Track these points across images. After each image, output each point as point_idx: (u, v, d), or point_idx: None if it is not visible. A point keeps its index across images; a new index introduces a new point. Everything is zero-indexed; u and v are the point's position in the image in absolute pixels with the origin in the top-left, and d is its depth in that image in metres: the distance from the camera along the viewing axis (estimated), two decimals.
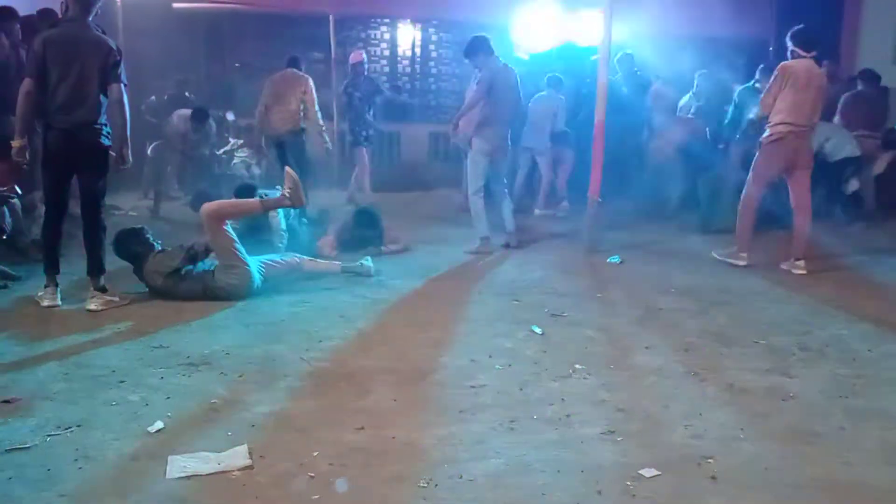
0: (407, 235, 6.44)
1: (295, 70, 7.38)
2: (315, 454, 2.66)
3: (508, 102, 6.20)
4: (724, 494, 2.47)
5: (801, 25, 5.60)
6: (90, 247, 4.46)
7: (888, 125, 8.14)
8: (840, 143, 7.21)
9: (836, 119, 7.84)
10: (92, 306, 4.37)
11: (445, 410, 3.08)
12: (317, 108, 7.29)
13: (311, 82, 7.29)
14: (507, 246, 6.32)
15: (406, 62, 11.14)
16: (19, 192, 5.17)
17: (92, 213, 4.45)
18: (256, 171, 8.49)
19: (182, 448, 2.68)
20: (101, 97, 4.35)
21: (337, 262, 5.36)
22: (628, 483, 2.51)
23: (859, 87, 8.02)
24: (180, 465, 2.56)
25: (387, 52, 11.02)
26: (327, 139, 7.78)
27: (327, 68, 9.96)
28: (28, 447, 2.69)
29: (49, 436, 2.77)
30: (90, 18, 4.35)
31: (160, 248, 4.73)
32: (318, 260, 5.39)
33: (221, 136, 8.97)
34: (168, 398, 3.14)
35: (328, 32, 10.03)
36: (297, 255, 5.24)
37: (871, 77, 8.04)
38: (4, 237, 5.08)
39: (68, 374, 3.38)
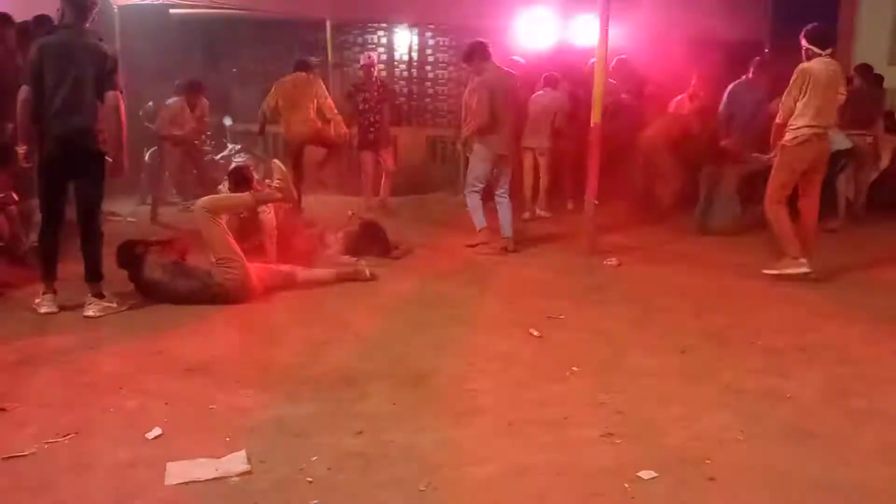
0: (407, 239, 6.44)
1: (305, 74, 7.58)
2: (314, 459, 2.66)
3: (508, 107, 6.21)
4: (723, 495, 2.48)
5: (815, 24, 5.45)
6: (87, 253, 4.46)
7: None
8: (834, 137, 7.20)
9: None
10: (90, 312, 4.37)
11: (443, 414, 3.08)
12: (330, 102, 7.63)
13: (321, 83, 7.67)
14: (504, 250, 6.33)
15: (403, 66, 11.15)
16: (16, 198, 5.16)
17: (89, 219, 4.45)
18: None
19: (180, 454, 2.68)
20: (98, 103, 4.35)
21: (332, 270, 5.36)
22: (627, 485, 2.51)
23: (856, 83, 7.95)
24: (178, 471, 2.56)
25: (384, 57, 11.02)
26: (342, 126, 7.88)
27: (324, 73, 9.95)
28: (26, 455, 2.68)
29: (47, 443, 2.77)
30: (86, 25, 4.36)
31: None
32: (314, 269, 5.36)
33: (219, 142, 8.97)
34: (166, 404, 3.14)
35: (325, 37, 10.04)
36: (291, 266, 5.23)
37: (866, 71, 7.96)
38: (2, 244, 5.07)
39: (66, 381, 3.38)
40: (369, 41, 11.04)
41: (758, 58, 8.05)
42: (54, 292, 4.45)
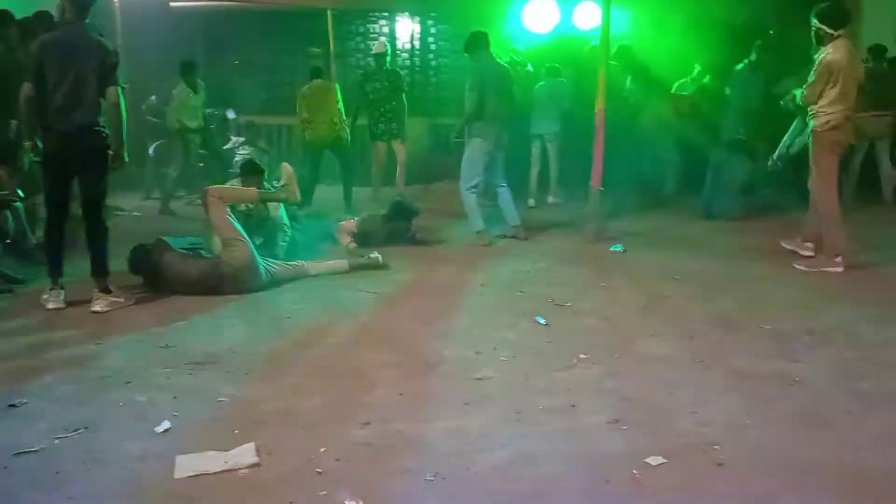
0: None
1: (322, 81, 7.89)
2: (322, 450, 2.67)
3: (500, 99, 6.15)
4: (732, 481, 2.47)
5: (829, 2, 5.24)
6: (93, 249, 4.47)
7: None
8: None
9: None
10: (97, 308, 4.38)
11: (451, 403, 3.08)
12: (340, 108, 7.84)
13: (337, 89, 7.90)
14: (514, 238, 6.31)
15: (405, 55, 11.10)
16: (21, 195, 5.17)
17: (94, 214, 4.46)
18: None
19: (189, 447, 2.69)
20: (100, 99, 4.35)
21: (344, 261, 5.36)
22: (635, 472, 2.51)
23: (869, 64, 7.82)
24: (188, 464, 2.57)
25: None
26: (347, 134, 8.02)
27: (326, 63, 9.92)
28: (36, 450, 2.69)
29: (57, 438, 2.78)
30: (86, 21, 4.35)
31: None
32: (326, 262, 5.36)
33: (223, 135, 8.96)
34: (175, 398, 3.15)
35: (326, 27, 9.99)
36: (302, 260, 5.25)
37: (879, 53, 7.86)
38: (8, 241, 5.09)
39: (75, 377, 3.39)
40: (371, 30, 10.99)
41: (759, 41, 7.99)
42: (61, 288, 4.47)
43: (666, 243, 6.23)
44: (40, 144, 4.45)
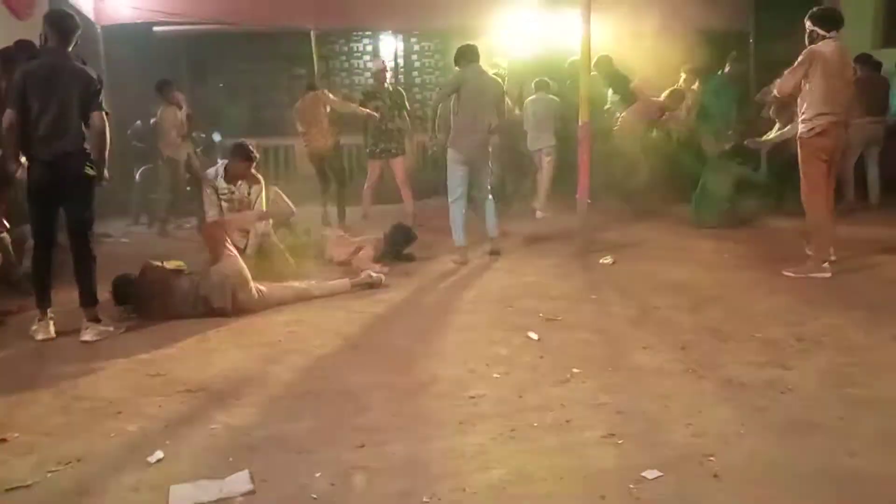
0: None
1: (313, 92, 8.04)
2: (317, 475, 2.65)
3: (480, 111, 6.11)
4: (728, 491, 2.47)
5: (823, 6, 5.32)
6: (81, 277, 4.44)
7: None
8: None
9: None
10: (86, 337, 4.35)
11: (445, 423, 3.07)
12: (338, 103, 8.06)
13: (327, 93, 8.11)
14: (491, 254, 6.31)
15: (389, 73, 11.15)
16: (7, 225, 5.15)
17: (81, 243, 4.43)
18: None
19: (183, 477, 2.67)
20: (83, 127, 4.35)
21: (346, 280, 5.36)
22: (631, 486, 2.51)
23: (858, 73, 7.94)
24: (182, 494, 2.55)
25: (370, 64, 11.02)
26: (353, 106, 8.09)
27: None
28: (29, 485, 2.67)
29: (49, 472, 2.75)
30: (69, 49, 4.35)
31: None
32: (329, 282, 5.35)
33: (210, 157, 8.96)
34: (166, 427, 3.12)
35: (310, 48, 10.04)
36: (303, 282, 5.26)
37: (868, 61, 7.93)
38: None
39: (65, 408, 3.36)
40: (354, 49, 11.06)
41: (733, 52, 8.13)
42: (50, 318, 4.44)
43: (655, 254, 6.26)
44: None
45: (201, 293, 4.70)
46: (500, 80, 6.50)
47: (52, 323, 4.43)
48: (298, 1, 9.53)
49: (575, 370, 3.60)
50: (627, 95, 8.28)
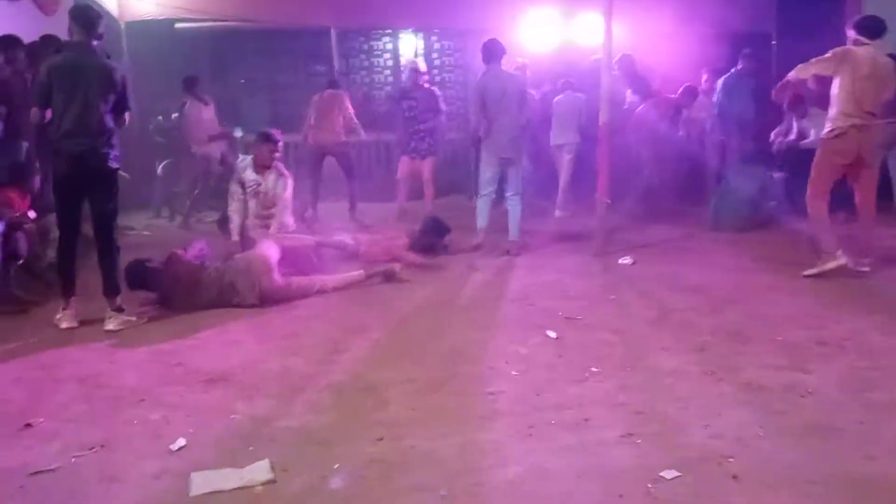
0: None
1: (334, 90, 8.11)
2: (336, 466, 2.68)
3: (503, 113, 6.23)
4: (746, 493, 2.47)
5: (866, 15, 5.28)
6: (105, 268, 4.52)
7: None
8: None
9: None
10: (110, 326, 4.41)
11: (464, 419, 3.08)
12: (352, 114, 8.16)
13: (347, 98, 8.19)
14: (507, 253, 6.32)
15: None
16: (33, 216, 5.22)
17: (105, 235, 4.50)
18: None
19: (204, 465, 2.70)
20: (107, 121, 4.40)
21: (361, 271, 5.41)
22: (649, 486, 2.51)
23: None
24: (203, 481, 2.58)
25: (390, 63, 11.05)
26: (361, 133, 8.34)
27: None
28: (53, 469, 2.72)
29: (73, 457, 2.80)
30: (95, 42, 4.41)
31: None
32: (342, 274, 5.39)
33: (234, 154, 9.00)
34: (188, 416, 3.17)
35: (330, 45, 10.07)
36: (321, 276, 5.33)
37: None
38: (20, 262, 5.13)
39: (89, 395, 3.42)
40: (375, 48, 11.07)
41: (746, 50, 8.08)
42: (74, 307, 4.50)
43: (674, 255, 6.24)
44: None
45: (227, 280, 4.77)
46: (520, 76, 6.52)
47: (76, 312, 4.50)
48: None
49: (593, 369, 3.60)
50: (646, 94, 8.25)
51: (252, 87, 11.00)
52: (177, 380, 3.59)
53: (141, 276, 4.89)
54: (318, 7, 9.65)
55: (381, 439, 2.89)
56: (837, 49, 5.11)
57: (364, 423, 3.06)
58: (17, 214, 5.07)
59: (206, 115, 8.30)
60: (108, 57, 4.54)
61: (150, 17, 9.32)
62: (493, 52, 6.28)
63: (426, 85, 8.11)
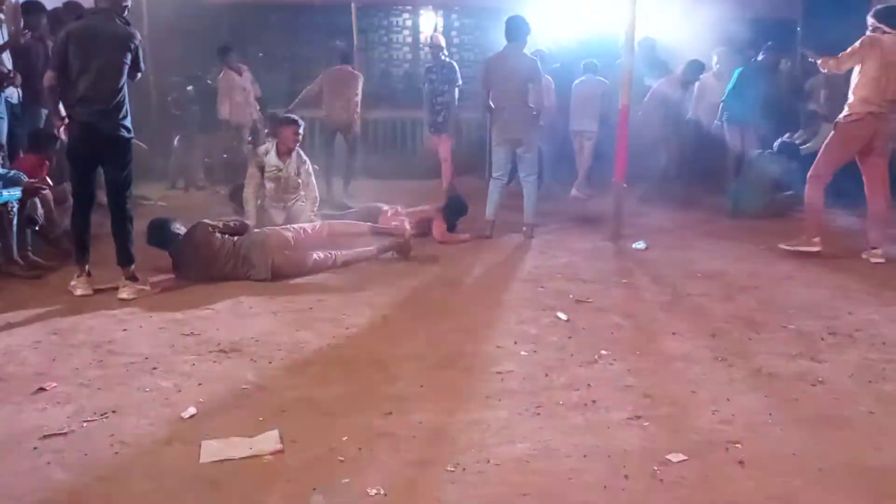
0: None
1: (350, 68, 8.13)
2: (344, 439, 2.70)
3: (505, 96, 6.14)
4: (752, 479, 2.47)
5: (887, 4, 5.29)
6: (118, 237, 4.54)
7: None
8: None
9: None
10: (124, 295, 4.45)
11: (472, 396, 3.10)
12: (359, 100, 8.15)
13: (361, 79, 8.19)
14: (522, 234, 6.31)
15: (428, 49, 11.09)
16: (50, 183, 5.26)
17: (119, 203, 4.52)
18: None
19: (215, 433, 2.73)
20: (123, 89, 4.40)
21: (371, 247, 5.41)
22: (655, 468, 2.52)
23: None
24: (213, 449, 2.62)
25: (409, 39, 10.98)
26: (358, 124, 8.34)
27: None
28: (65, 433, 2.76)
29: (85, 422, 2.84)
30: (120, 12, 4.38)
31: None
32: (354, 250, 5.38)
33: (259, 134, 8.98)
34: (200, 384, 3.20)
35: (350, 20, 10.02)
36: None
37: None
38: (36, 228, 5.18)
39: (102, 362, 3.46)
40: (394, 24, 11.00)
41: (769, 42, 7.95)
42: (88, 275, 4.54)
43: (689, 240, 6.20)
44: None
45: (242, 252, 4.79)
46: (533, 60, 6.32)
47: (90, 279, 4.53)
48: None
49: (603, 352, 3.59)
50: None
51: (271, 62, 10.97)
52: (189, 349, 3.62)
53: (161, 235, 4.93)
54: None
55: (390, 414, 2.91)
56: (864, 38, 5.11)
57: (373, 397, 3.08)
58: (35, 181, 5.10)
59: (239, 83, 8.34)
60: (128, 24, 4.52)
61: None
62: (512, 30, 6.14)
63: (446, 59, 8.09)
